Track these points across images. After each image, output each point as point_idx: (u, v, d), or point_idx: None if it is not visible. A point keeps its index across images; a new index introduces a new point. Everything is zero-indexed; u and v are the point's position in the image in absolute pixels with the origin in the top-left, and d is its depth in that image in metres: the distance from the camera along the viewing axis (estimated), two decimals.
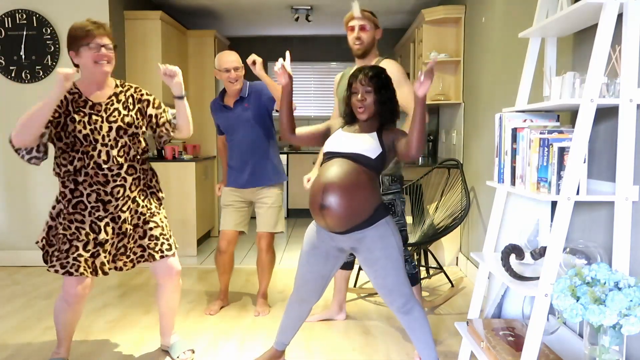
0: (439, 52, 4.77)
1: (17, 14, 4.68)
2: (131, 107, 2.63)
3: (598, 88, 1.81)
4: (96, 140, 2.51)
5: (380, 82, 2.32)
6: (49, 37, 4.70)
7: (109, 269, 2.61)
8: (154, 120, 2.70)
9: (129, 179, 2.60)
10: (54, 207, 2.61)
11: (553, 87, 2.08)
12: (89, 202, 2.54)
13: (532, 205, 2.40)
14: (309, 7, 6.05)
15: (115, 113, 2.57)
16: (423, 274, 4.09)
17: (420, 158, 5.84)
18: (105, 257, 2.58)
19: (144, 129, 2.67)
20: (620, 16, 1.84)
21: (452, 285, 4.04)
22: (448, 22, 4.78)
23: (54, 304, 2.67)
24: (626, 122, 1.82)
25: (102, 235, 2.55)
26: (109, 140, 2.53)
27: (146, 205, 2.68)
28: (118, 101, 2.60)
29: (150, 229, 2.66)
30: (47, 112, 2.35)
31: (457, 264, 4.71)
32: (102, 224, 2.56)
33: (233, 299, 3.85)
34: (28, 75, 4.71)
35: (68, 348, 2.73)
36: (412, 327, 2.40)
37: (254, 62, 3.13)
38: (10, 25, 4.69)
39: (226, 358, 2.87)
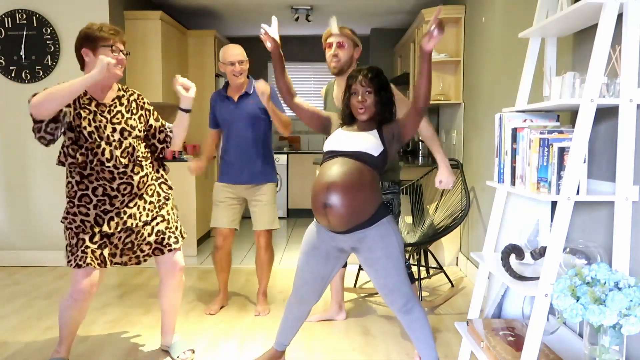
0: (439, 52, 4.77)
1: (17, 14, 4.68)
2: (134, 111, 2.67)
3: (598, 88, 1.81)
4: (100, 138, 2.53)
5: (380, 83, 2.33)
6: (49, 37, 4.70)
7: (112, 262, 2.63)
8: (152, 131, 2.75)
9: (136, 177, 2.61)
10: (65, 209, 2.63)
11: (553, 87, 2.08)
12: (95, 196, 2.55)
13: (532, 205, 2.40)
14: (309, 7, 6.05)
15: (119, 115, 2.60)
16: (423, 274, 4.09)
17: (420, 158, 5.85)
18: (111, 249, 2.60)
19: (144, 134, 2.71)
20: (620, 16, 1.84)
21: (452, 285, 4.04)
22: (448, 22, 4.78)
23: (60, 302, 2.67)
24: (626, 122, 1.82)
25: (105, 228, 2.57)
26: (113, 141, 2.55)
27: (154, 201, 2.70)
28: (121, 104, 2.63)
29: (157, 224, 2.69)
30: (79, 89, 2.35)
31: (457, 264, 4.71)
32: (106, 218, 2.58)
33: (233, 298, 3.85)
34: (28, 75, 4.71)
35: (69, 347, 2.73)
36: (412, 327, 2.40)
37: (262, 93, 3.18)
38: (10, 25, 4.69)
39: (226, 358, 2.87)
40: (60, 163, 2.59)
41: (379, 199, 2.32)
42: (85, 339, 3.11)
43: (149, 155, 2.73)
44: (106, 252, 2.58)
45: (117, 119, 2.59)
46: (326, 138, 2.48)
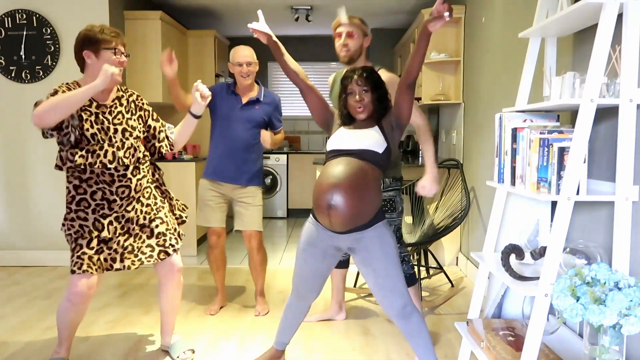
0: (439, 52, 4.78)
1: (17, 14, 4.68)
2: (134, 111, 2.68)
3: (598, 88, 1.81)
4: (103, 140, 2.52)
5: (375, 81, 2.34)
6: (49, 37, 4.70)
7: (113, 267, 2.61)
8: (152, 131, 2.76)
9: (134, 180, 2.61)
10: (65, 217, 2.63)
11: (553, 87, 2.08)
12: (94, 200, 2.55)
13: (532, 205, 2.40)
14: (309, 7, 6.05)
15: (120, 116, 2.60)
16: (423, 274, 4.09)
17: (420, 158, 5.85)
18: (109, 254, 2.59)
19: (143, 135, 2.72)
20: (620, 16, 1.84)
21: (452, 285, 4.04)
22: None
23: (59, 304, 2.67)
24: (626, 122, 1.82)
25: (105, 233, 2.56)
26: (115, 142, 2.55)
27: (150, 204, 2.69)
28: (121, 104, 2.63)
29: (157, 226, 2.68)
30: (82, 99, 2.35)
31: (457, 264, 4.71)
32: (105, 222, 2.57)
33: (233, 299, 3.86)
34: (28, 75, 4.72)
35: (68, 348, 2.73)
36: (411, 333, 2.37)
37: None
38: (10, 25, 4.69)
39: (226, 358, 2.87)
40: (58, 167, 2.57)
41: (380, 201, 2.32)
42: (85, 339, 3.11)
43: (147, 157, 2.72)
44: (102, 257, 2.57)
45: (119, 119, 2.59)
46: (327, 136, 2.48)
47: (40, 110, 2.33)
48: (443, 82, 4.91)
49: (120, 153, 2.56)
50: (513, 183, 2.20)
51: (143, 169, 2.68)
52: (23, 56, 4.70)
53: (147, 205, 2.68)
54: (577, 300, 1.66)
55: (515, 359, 1.99)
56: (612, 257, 1.85)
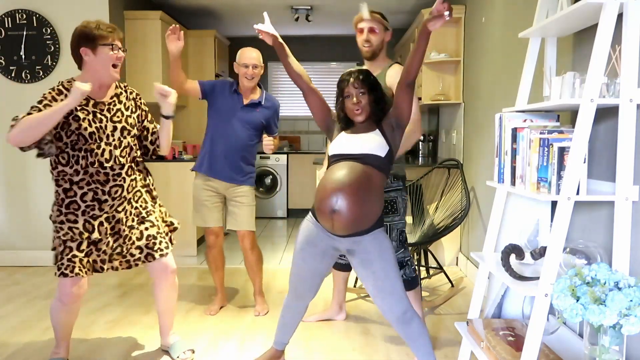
0: (439, 52, 4.77)
1: (17, 14, 4.68)
2: (133, 109, 2.66)
3: (598, 88, 1.81)
4: (100, 139, 2.51)
5: (372, 83, 2.34)
6: (49, 37, 4.70)
7: (103, 268, 2.60)
8: (145, 133, 2.75)
9: (128, 179, 2.60)
10: (53, 211, 2.61)
11: (553, 87, 2.08)
12: (84, 202, 2.52)
13: (532, 205, 2.39)
14: (309, 7, 6.05)
15: (119, 114, 2.58)
16: (423, 274, 4.09)
17: (420, 158, 5.85)
18: (98, 255, 2.58)
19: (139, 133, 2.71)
20: (620, 16, 1.84)
21: (452, 285, 4.04)
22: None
23: (50, 304, 2.67)
24: (626, 122, 1.82)
25: (95, 235, 2.54)
26: (114, 140, 2.54)
27: (141, 206, 2.69)
28: (120, 102, 2.61)
29: (147, 228, 2.67)
30: (55, 119, 2.33)
31: (457, 264, 4.71)
32: (95, 223, 2.55)
33: (232, 299, 3.86)
34: (28, 75, 4.72)
35: (67, 348, 2.73)
36: (412, 337, 2.37)
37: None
38: (10, 25, 4.69)
39: (226, 358, 2.87)
40: (51, 173, 2.57)
41: (382, 206, 2.32)
42: (85, 339, 3.10)
43: (140, 159, 2.71)
44: (92, 259, 2.56)
45: (118, 117, 2.57)
46: (327, 139, 2.48)
47: (14, 132, 2.33)
48: (443, 82, 4.91)
49: (117, 152, 2.55)
50: (513, 183, 2.20)
51: (137, 169, 2.67)
52: (23, 56, 4.70)
53: (136, 207, 2.67)
54: (577, 300, 1.66)
55: (515, 359, 1.99)
56: (612, 257, 1.85)
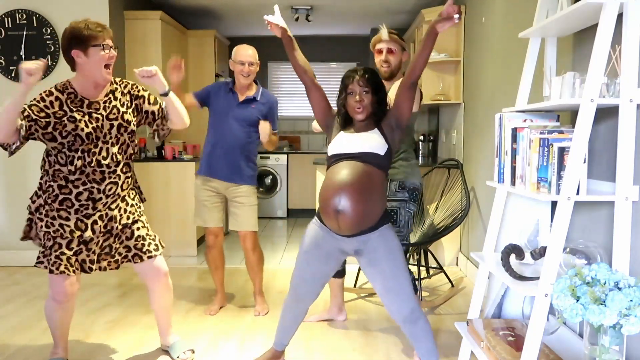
0: (439, 52, 4.77)
1: (17, 14, 4.68)
2: (128, 104, 2.62)
3: (598, 88, 1.81)
4: (98, 138, 2.50)
5: (377, 83, 2.34)
6: (49, 37, 4.70)
7: (92, 268, 2.58)
8: (150, 116, 2.69)
9: (122, 177, 2.59)
10: (33, 202, 2.57)
11: (553, 87, 2.08)
12: (78, 200, 2.51)
13: (532, 205, 2.39)
14: (309, 7, 6.05)
15: (115, 111, 2.56)
16: (423, 274, 4.09)
17: (420, 158, 5.85)
18: (88, 255, 2.56)
19: (137, 127, 2.67)
20: (620, 16, 1.84)
21: (452, 285, 4.04)
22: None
23: (45, 304, 2.67)
24: (626, 122, 1.82)
25: (88, 233, 2.53)
26: (110, 138, 2.53)
27: (135, 204, 2.69)
28: (115, 98, 2.58)
29: (138, 229, 2.66)
30: (15, 110, 2.31)
31: (457, 264, 4.71)
32: (89, 222, 2.54)
33: (232, 299, 3.85)
34: None
35: (65, 347, 2.73)
36: (418, 337, 2.37)
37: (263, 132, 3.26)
38: (10, 25, 4.69)
39: (226, 358, 2.87)
40: (44, 171, 2.55)
41: (385, 204, 2.33)
42: (85, 339, 3.10)
43: (133, 158, 2.69)
44: (80, 258, 2.55)
45: (114, 114, 2.55)
46: (326, 139, 2.49)
47: None
48: (443, 82, 4.91)
49: (115, 149, 2.54)
50: (513, 183, 2.20)
51: (131, 167, 2.66)
52: (23, 56, 4.70)
53: (132, 205, 2.66)
54: (577, 300, 1.66)
55: (515, 359, 1.99)
56: (612, 257, 1.85)
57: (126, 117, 2.59)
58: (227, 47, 6.97)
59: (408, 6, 6.04)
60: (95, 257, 2.60)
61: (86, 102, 2.52)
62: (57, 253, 2.50)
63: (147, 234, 2.68)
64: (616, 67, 1.86)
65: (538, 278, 1.95)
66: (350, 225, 2.24)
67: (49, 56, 4.69)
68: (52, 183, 2.52)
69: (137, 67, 4.99)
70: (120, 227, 2.62)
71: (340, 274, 3.36)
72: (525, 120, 2.23)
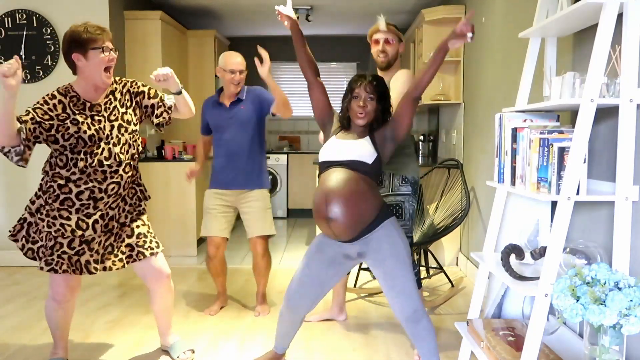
0: None
1: (17, 14, 4.68)
2: (128, 104, 2.63)
3: (598, 88, 1.81)
4: (100, 140, 2.50)
5: (383, 91, 2.35)
6: (49, 37, 4.70)
7: (97, 269, 2.58)
8: (150, 109, 2.69)
9: (125, 176, 2.59)
10: (32, 202, 2.58)
11: (553, 87, 2.08)
12: (79, 200, 2.51)
13: (532, 205, 2.39)
14: (309, 7, 6.05)
15: (115, 111, 2.57)
16: (423, 274, 4.09)
17: (420, 158, 5.85)
18: (91, 255, 2.56)
19: (139, 126, 2.68)
20: (620, 16, 1.84)
21: (452, 285, 4.04)
22: (448, 22, 4.78)
23: (45, 304, 2.67)
24: (626, 122, 1.82)
25: (89, 232, 2.53)
26: (112, 139, 2.53)
27: (134, 203, 2.69)
28: (115, 99, 2.59)
29: (138, 226, 2.67)
30: (7, 114, 2.29)
31: (457, 264, 4.71)
32: (90, 221, 2.53)
33: (233, 299, 3.86)
34: (28, 75, 4.71)
35: (65, 347, 2.73)
36: (420, 337, 2.37)
37: (260, 61, 3.10)
38: (10, 25, 4.69)
39: (226, 358, 2.87)
40: (44, 172, 2.56)
41: (379, 202, 2.32)
42: (85, 339, 3.11)
43: (137, 157, 2.70)
44: (84, 259, 2.54)
45: (115, 115, 2.56)
46: (324, 135, 2.49)
47: None
48: (443, 82, 4.91)
49: (117, 149, 2.54)
50: (513, 183, 2.20)
51: (134, 166, 2.67)
52: (23, 56, 4.70)
53: (130, 205, 2.67)
54: (577, 300, 1.66)
55: (515, 359, 1.99)
56: (612, 257, 1.85)
57: (126, 117, 2.59)
58: (227, 47, 6.97)
59: (408, 6, 6.04)
60: (99, 257, 2.60)
61: (88, 105, 2.52)
62: (59, 252, 2.50)
63: (148, 232, 2.69)
64: (616, 67, 1.86)
65: (538, 278, 1.95)
66: (343, 231, 2.24)
67: (49, 56, 4.69)
68: (52, 183, 2.52)
69: (137, 67, 5.09)
70: (119, 225, 2.62)
71: None
72: (525, 120, 2.23)
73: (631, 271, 1.90)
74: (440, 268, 4.04)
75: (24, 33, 4.69)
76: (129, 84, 2.66)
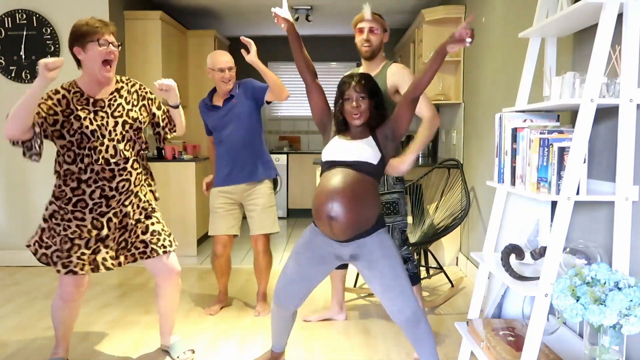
0: None
1: (17, 14, 4.68)
2: (135, 102, 2.64)
3: (598, 88, 1.81)
4: (103, 136, 2.51)
5: (373, 88, 2.34)
6: (49, 37, 4.70)
7: (114, 265, 2.60)
8: (156, 119, 2.75)
9: (134, 173, 2.60)
10: (46, 209, 2.60)
11: (553, 87, 2.08)
12: (92, 199, 2.52)
13: (532, 205, 2.40)
14: (309, 7, 6.06)
15: (120, 108, 2.58)
16: (423, 274, 4.09)
17: (420, 158, 5.84)
18: (107, 252, 2.57)
19: (146, 125, 2.70)
20: (620, 16, 1.84)
21: (452, 285, 4.04)
22: (448, 22, 4.78)
23: (51, 303, 2.67)
24: (626, 122, 1.82)
25: (105, 231, 2.55)
26: (116, 135, 2.54)
27: (148, 200, 2.69)
28: (120, 96, 2.60)
29: (152, 224, 2.68)
30: (32, 103, 2.31)
31: (457, 264, 4.71)
32: (104, 220, 2.55)
33: (233, 299, 3.85)
34: (28, 75, 4.72)
35: (66, 347, 2.73)
36: (419, 338, 2.35)
37: (247, 51, 3.11)
38: (10, 25, 4.69)
39: (226, 358, 2.87)
40: (56, 173, 2.56)
41: (379, 208, 2.33)
42: (85, 339, 3.11)
43: (145, 154, 2.72)
44: (100, 256, 2.55)
45: (119, 112, 2.57)
46: (323, 138, 2.49)
47: (5, 127, 2.34)
48: (443, 82, 4.91)
49: (121, 146, 2.54)
50: (513, 183, 2.20)
51: (142, 164, 2.68)
52: (23, 56, 4.70)
53: (145, 201, 2.68)
54: (577, 300, 1.66)
55: (515, 359, 1.99)
56: (612, 257, 1.85)
57: (131, 114, 2.60)
58: (227, 47, 6.97)
59: (408, 6, 6.04)
60: (113, 253, 2.61)
61: (91, 100, 2.53)
62: (78, 254, 2.51)
63: (162, 229, 2.70)
64: (616, 67, 1.86)
65: (538, 278, 1.95)
66: (343, 231, 2.24)
67: (49, 56, 4.69)
68: (64, 187, 2.53)
69: (137, 67, 5.09)
70: (134, 222, 2.63)
71: (342, 265, 3.33)
72: (525, 120, 2.23)
73: (631, 271, 1.90)
74: (440, 268, 4.04)
75: (24, 33, 4.69)
76: (137, 86, 2.69)
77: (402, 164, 2.69)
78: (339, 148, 2.33)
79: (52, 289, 4.07)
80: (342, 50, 7.85)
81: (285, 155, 7.44)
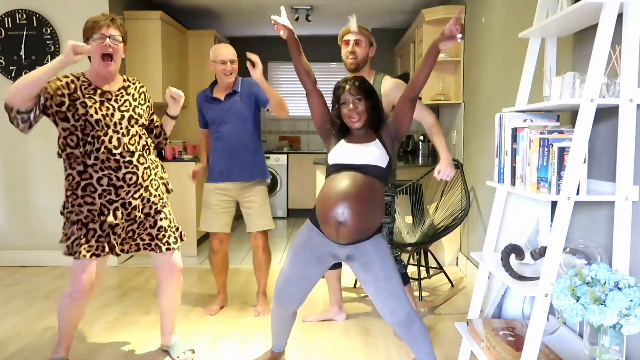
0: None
1: (17, 14, 4.68)
2: (142, 101, 2.69)
3: (598, 88, 1.81)
4: (107, 126, 2.52)
5: (368, 89, 2.34)
6: (49, 37, 4.70)
7: (123, 250, 2.65)
8: (151, 125, 2.79)
9: (141, 167, 2.61)
10: (63, 205, 2.62)
11: (553, 87, 2.08)
12: (100, 185, 2.53)
13: (532, 205, 2.40)
14: (309, 7, 6.06)
15: (127, 103, 2.61)
16: (423, 274, 4.09)
17: (420, 158, 5.85)
18: (115, 239, 2.60)
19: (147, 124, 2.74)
20: (620, 16, 1.84)
21: (452, 285, 4.04)
22: (448, 22, 4.77)
23: (58, 301, 2.67)
24: (626, 122, 1.82)
25: (110, 219, 2.55)
26: (121, 128, 2.55)
27: (158, 195, 2.70)
28: (128, 93, 2.64)
29: (161, 219, 2.69)
30: (45, 77, 2.32)
31: (457, 264, 4.71)
32: (111, 208, 2.56)
33: (233, 298, 3.86)
34: None
35: (68, 348, 2.73)
36: (415, 339, 2.35)
37: (252, 65, 3.09)
38: (10, 25, 4.69)
39: (226, 358, 2.87)
40: (59, 155, 2.58)
41: (383, 214, 2.34)
42: (85, 339, 3.11)
43: (152, 149, 2.74)
44: (109, 242, 2.58)
45: (126, 106, 2.59)
46: (324, 144, 2.48)
47: (10, 91, 2.34)
48: (443, 82, 4.91)
49: (126, 139, 2.56)
50: (513, 183, 2.20)
51: (150, 158, 2.69)
52: (23, 56, 4.70)
53: (155, 195, 2.68)
54: (577, 300, 1.66)
55: (515, 359, 1.99)
56: (612, 257, 1.85)
57: (138, 110, 2.64)
58: None
59: (408, 6, 6.04)
60: (120, 240, 2.63)
61: (99, 91, 2.56)
62: (95, 237, 2.54)
63: (169, 226, 2.72)
64: (616, 67, 1.86)
65: (538, 278, 1.95)
66: (350, 235, 2.23)
67: (49, 56, 4.69)
68: (70, 170, 2.55)
69: (137, 67, 5.09)
70: (142, 215, 2.64)
71: (336, 265, 3.35)
72: (525, 120, 2.23)
73: (631, 271, 1.90)
74: (440, 268, 4.04)
75: (24, 33, 4.69)
76: (145, 88, 2.76)
77: (450, 167, 2.77)
78: (347, 151, 2.32)
79: (52, 289, 4.07)
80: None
81: (285, 155, 7.44)
